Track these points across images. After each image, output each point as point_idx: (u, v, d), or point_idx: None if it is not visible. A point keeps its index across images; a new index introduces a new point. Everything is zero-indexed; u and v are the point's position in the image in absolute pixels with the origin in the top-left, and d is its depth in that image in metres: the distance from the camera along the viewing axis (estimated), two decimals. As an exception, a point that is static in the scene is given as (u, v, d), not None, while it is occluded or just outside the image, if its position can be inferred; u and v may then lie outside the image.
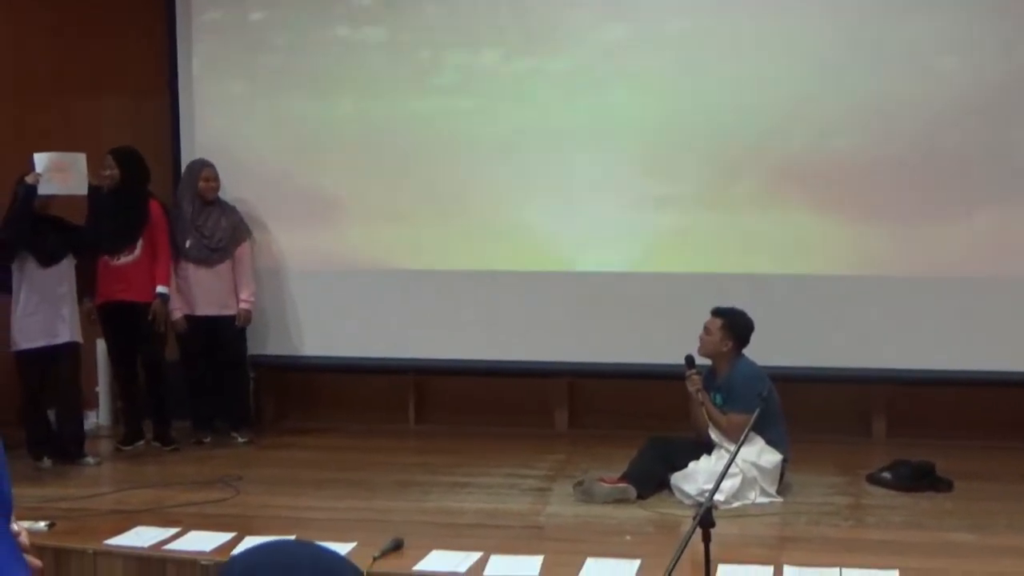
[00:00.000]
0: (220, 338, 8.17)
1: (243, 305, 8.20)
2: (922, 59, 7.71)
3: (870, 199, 7.81)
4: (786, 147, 7.86)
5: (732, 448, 6.30)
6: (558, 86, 8.13)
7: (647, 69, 8.02)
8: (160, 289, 7.88)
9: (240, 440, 8.12)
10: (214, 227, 8.13)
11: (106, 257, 7.79)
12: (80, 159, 7.34)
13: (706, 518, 3.90)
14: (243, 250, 8.26)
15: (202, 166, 8.21)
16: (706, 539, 3.94)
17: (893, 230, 7.80)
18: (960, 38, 7.68)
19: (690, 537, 3.89)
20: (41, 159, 7.21)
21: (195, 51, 8.62)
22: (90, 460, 7.56)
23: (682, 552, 3.81)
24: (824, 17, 7.84)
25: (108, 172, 7.77)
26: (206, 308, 8.11)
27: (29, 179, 7.16)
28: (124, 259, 7.81)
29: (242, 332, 8.29)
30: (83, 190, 7.34)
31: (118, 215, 7.74)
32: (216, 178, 8.16)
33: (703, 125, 7.94)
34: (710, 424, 6.64)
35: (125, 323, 7.87)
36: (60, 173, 7.22)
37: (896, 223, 7.79)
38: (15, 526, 1.80)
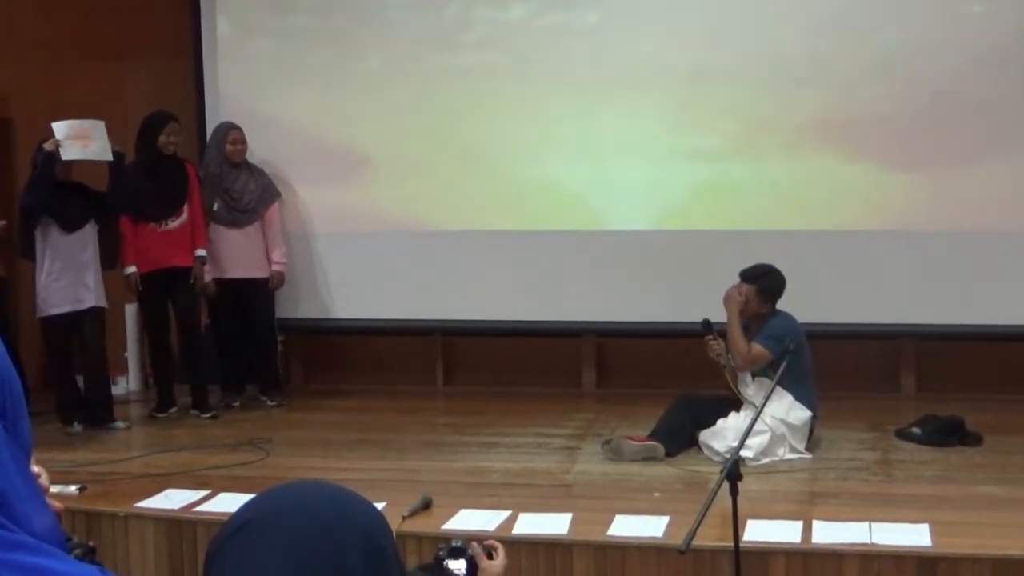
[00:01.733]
0: (249, 301, 8.17)
1: (275, 267, 8.20)
2: (949, 7, 7.63)
3: (898, 151, 7.74)
4: (813, 100, 7.79)
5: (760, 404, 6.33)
6: (586, 41, 8.06)
7: (675, 22, 7.96)
8: (199, 252, 7.90)
9: (270, 404, 8.15)
10: (242, 189, 8.11)
11: (151, 224, 7.75)
12: (99, 125, 7.32)
13: (733, 471, 3.89)
14: (272, 211, 8.24)
15: (229, 128, 8.17)
16: (733, 492, 3.94)
17: (921, 183, 7.75)
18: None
19: (718, 490, 3.89)
20: (60, 127, 7.20)
21: (219, 12, 8.59)
22: (120, 424, 7.59)
23: (710, 504, 3.81)
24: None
25: (176, 138, 7.77)
26: (235, 271, 8.11)
27: (48, 146, 7.14)
28: (172, 224, 7.80)
29: (271, 295, 8.27)
30: (107, 155, 7.31)
31: (166, 180, 7.75)
32: (243, 140, 8.13)
33: (730, 79, 7.86)
34: (739, 380, 6.64)
35: (168, 288, 7.86)
36: (80, 140, 7.22)
37: (924, 175, 7.74)
38: (35, 467, 1.80)
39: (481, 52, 8.24)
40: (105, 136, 7.30)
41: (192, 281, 7.87)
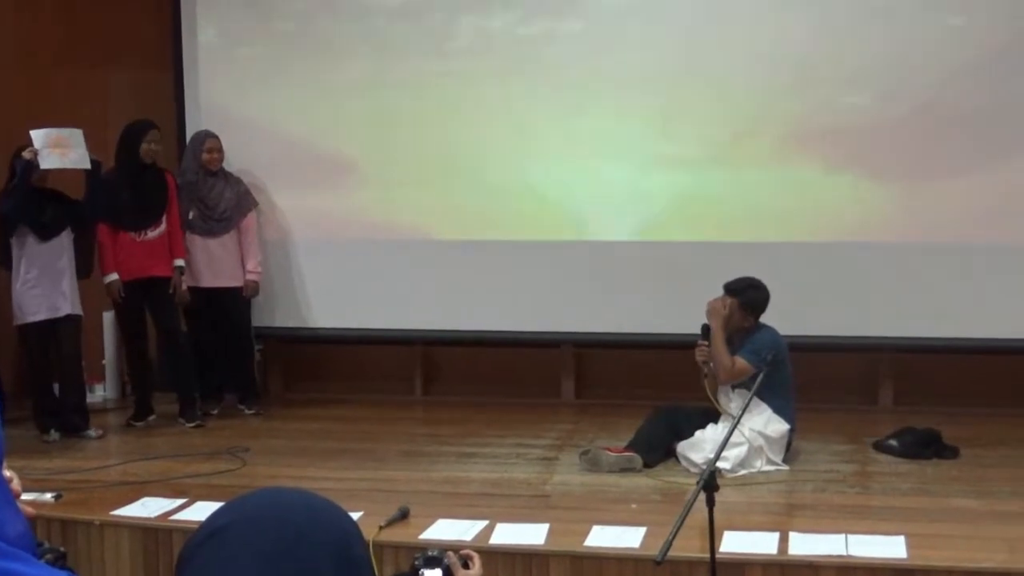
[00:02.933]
0: (225, 310, 8.16)
1: (250, 276, 8.18)
2: (929, 19, 7.67)
3: (878, 162, 7.78)
4: (793, 112, 7.83)
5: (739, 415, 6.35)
6: (571, 49, 8.07)
7: (659, 31, 7.98)
8: (177, 262, 7.88)
9: (247, 412, 8.13)
10: (218, 198, 8.09)
11: (130, 234, 7.72)
12: (77, 134, 7.30)
13: (709, 482, 3.90)
14: (249, 220, 8.23)
15: (205, 137, 8.15)
16: (710, 503, 3.94)
17: (901, 194, 7.78)
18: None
19: (694, 500, 3.89)
20: (39, 135, 7.18)
21: (201, 20, 8.58)
22: (92, 433, 7.56)
23: (686, 515, 3.81)
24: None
25: (156, 146, 7.75)
26: (210, 280, 8.09)
27: (26, 154, 7.13)
28: (151, 234, 7.77)
29: (247, 303, 8.26)
30: (85, 164, 7.28)
31: (146, 190, 7.72)
32: (220, 149, 8.11)
33: (712, 89, 7.90)
34: (719, 392, 6.65)
35: (146, 298, 7.83)
36: (59, 148, 7.20)
37: (904, 186, 7.77)
38: (6, 472, 1.80)
39: (466, 59, 8.25)
40: (83, 144, 7.28)
41: (172, 291, 7.85)
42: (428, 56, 8.27)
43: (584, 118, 8.07)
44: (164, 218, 7.80)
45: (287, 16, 8.48)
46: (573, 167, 8.12)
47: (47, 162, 7.16)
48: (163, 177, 7.86)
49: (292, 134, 8.45)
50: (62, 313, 7.42)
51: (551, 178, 8.16)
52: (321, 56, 8.42)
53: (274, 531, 1.47)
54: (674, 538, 3.70)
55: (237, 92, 8.53)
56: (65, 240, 7.45)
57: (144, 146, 7.67)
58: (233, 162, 8.29)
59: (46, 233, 7.35)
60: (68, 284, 7.45)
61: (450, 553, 2.83)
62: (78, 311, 7.51)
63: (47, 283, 7.35)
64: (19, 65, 8.53)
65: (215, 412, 8.12)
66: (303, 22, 8.45)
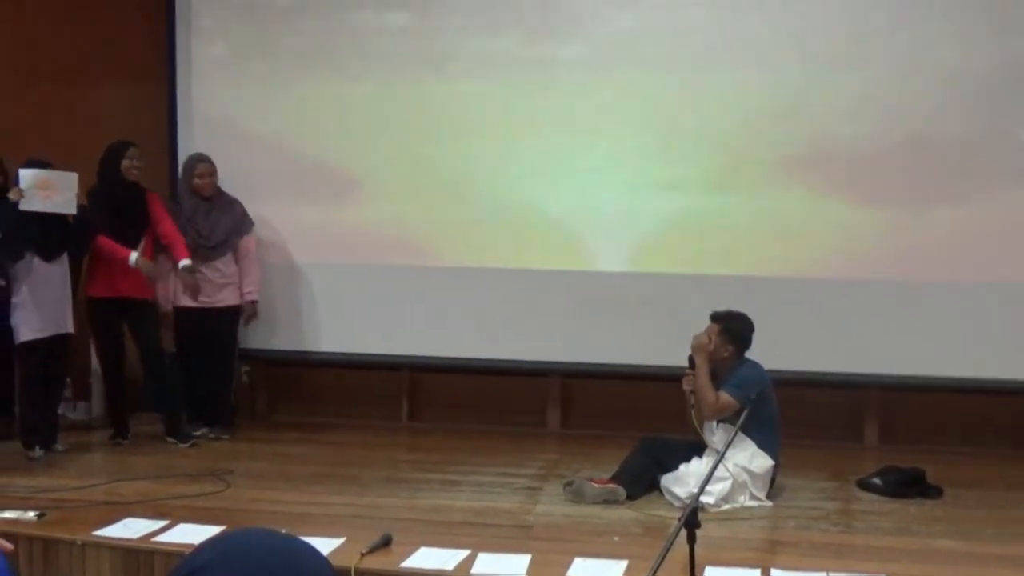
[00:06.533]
0: (213, 331, 8.13)
1: (247, 296, 8.18)
2: (923, 50, 7.71)
3: (867, 192, 7.81)
4: (784, 141, 7.87)
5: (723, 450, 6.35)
6: (571, 73, 8.11)
7: (657, 57, 8.02)
8: (184, 262, 7.81)
9: (210, 436, 8.08)
10: (212, 226, 8.07)
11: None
12: (69, 178, 7.34)
13: (691, 519, 3.89)
14: (247, 243, 8.21)
15: (196, 162, 8.15)
16: (691, 540, 3.94)
17: (890, 227, 7.80)
18: (958, 32, 7.67)
19: (675, 538, 3.89)
20: (27, 175, 7.23)
21: (195, 37, 8.61)
22: (59, 447, 7.61)
23: (666, 552, 3.80)
24: (828, 8, 7.87)
25: (137, 163, 7.74)
26: (201, 301, 8.05)
27: (12, 195, 7.19)
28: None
29: (236, 325, 8.24)
30: (71, 209, 7.32)
31: (124, 213, 7.72)
32: (212, 173, 8.10)
33: (707, 116, 7.95)
34: (704, 426, 6.66)
35: (125, 318, 7.83)
36: (45, 190, 7.22)
37: (893, 219, 7.80)
38: None
39: (468, 80, 8.28)
40: (74, 189, 7.32)
41: (184, 291, 7.87)
42: (431, 76, 8.31)
43: (581, 143, 8.11)
44: (143, 241, 7.78)
45: (297, 32, 8.50)
46: (567, 193, 8.16)
47: (30, 204, 7.19)
48: (143, 199, 7.84)
49: (288, 151, 8.49)
50: (64, 331, 7.47)
51: (545, 204, 8.20)
52: (327, 73, 8.46)
53: (252, 573, 1.48)
54: (655, 574, 3.69)
55: (237, 107, 8.56)
56: (65, 260, 7.49)
57: (125, 162, 7.68)
58: (224, 179, 8.27)
59: (50, 255, 7.38)
60: (68, 303, 7.51)
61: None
62: (72, 329, 7.55)
63: (50, 301, 7.39)
64: (12, 82, 8.54)
65: (198, 433, 8.09)
66: (311, 39, 8.48)
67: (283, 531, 1.59)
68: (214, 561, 1.50)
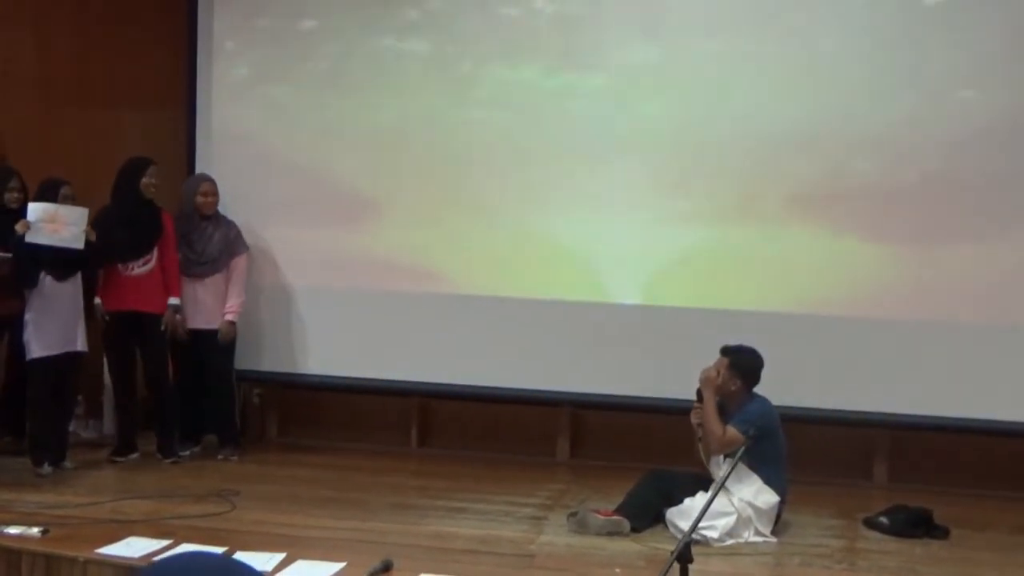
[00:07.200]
0: (207, 352, 8.18)
1: (226, 316, 8.18)
2: (940, 89, 7.71)
3: (883, 228, 7.77)
4: (800, 176, 7.85)
5: (730, 485, 6.33)
6: (591, 103, 8.14)
7: (676, 89, 8.05)
8: (173, 300, 7.92)
9: (219, 457, 8.13)
10: (206, 242, 8.16)
11: (119, 266, 7.81)
12: (79, 213, 7.40)
13: (684, 553, 3.89)
14: (237, 263, 8.26)
15: (201, 181, 8.27)
16: (684, 574, 3.93)
17: (904, 265, 7.76)
18: (978, 71, 7.67)
19: (667, 571, 3.88)
20: (35, 209, 7.30)
21: (217, 61, 8.67)
22: (68, 464, 7.64)
23: (658, 587, 3.80)
24: (848, 45, 7.86)
25: (155, 181, 7.82)
26: (193, 322, 8.13)
27: (19, 227, 7.26)
28: (139, 269, 7.84)
29: (227, 347, 8.25)
30: (78, 244, 7.38)
31: (137, 225, 7.78)
32: (214, 193, 8.20)
33: (724, 150, 7.96)
34: (711, 461, 6.64)
35: (131, 334, 7.88)
36: (52, 224, 7.28)
37: (908, 257, 7.76)
38: None
39: (488, 108, 8.32)
40: (83, 225, 7.39)
41: (164, 328, 7.90)
42: (451, 103, 8.36)
43: (599, 173, 8.12)
44: (155, 254, 7.86)
45: (320, 57, 8.55)
46: (582, 223, 8.16)
47: (36, 236, 7.26)
48: (158, 214, 7.92)
49: (308, 175, 8.53)
50: (76, 348, 7.52)
51: (560, 234, 8.20)
52: (347, 98, 8.51)
53: None
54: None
55: (257, 130, 8.61)
56: (78, 279, 7.54)
57: (144, 180, 7.76)
58: (242, 201, 8.32)
59: (63, 275, 7.43)
60: (81, 321, 7.56)
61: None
62: (84, 348, 7.60)
63: (63, 319, 7.44)
64: (34, 99, 8.62)
65: (187, 454, 8.12)
66: (333, 64, 8.53)
67: (222, 552, 1.60)
68: None
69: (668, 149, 8.06)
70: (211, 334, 8.14)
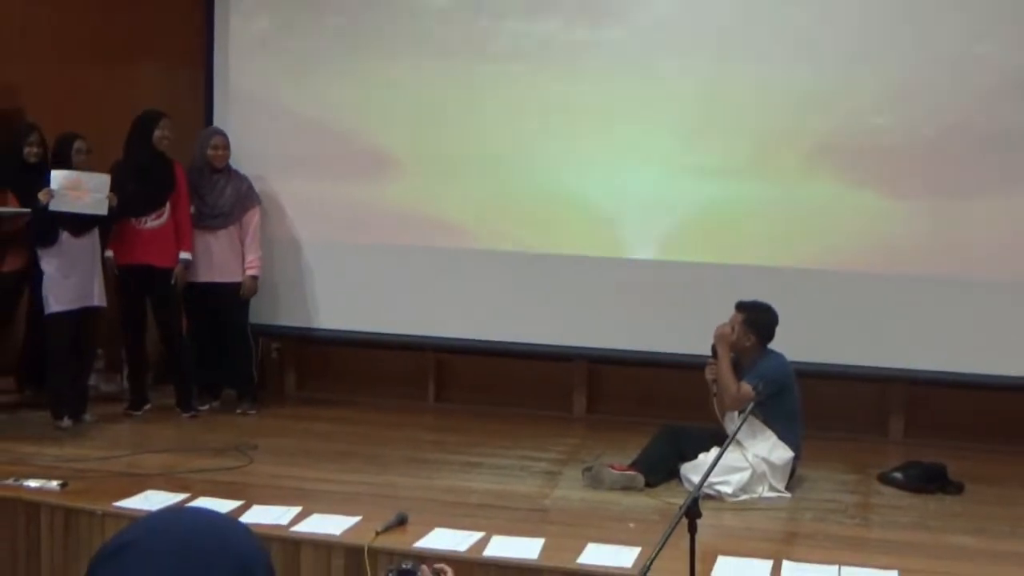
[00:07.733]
0: (221, 306, 8.20)
1: (248, 271, 8.20)
2: (958, 44, 7.65)
3: (900, 183, 7.73)
4: (819, 134, 7.81)
5: (744, 441, 6.36)
6: (610, 56, 8.10)
7: (694, 43, 8.01)
8: (184, 255, 7.95)
9: (237, 412, 8.18)
10: (218, 195, 8.15)
11: (131, 220, 7.83)
12: (102, 180, 7.45)
13: (692, 508, 3.91)
14: (250, 217, 8.25)
15: (213, 134, 8.26)
16: (692, 529, 3.95)
17: (921, 221, 7.73)
18: (994, 26, 7.61)
19: (675, 526, 3.90)
20: (57, 176, 7.34)
21: (235, 15, 8.66)
22: (87, 418, 7.72)
23: (666, 540, 3.82)
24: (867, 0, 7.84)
25: (168, 134, 7.84)
26: (206, 275, 8.13)
27: (42, 196, 7.29)
28: (152, 223, 7.87)
29: (245, 300, 8.26)
30: (101, 210, 7.43)
31: (151, 178, 7.81)
32: (225, 146, 8.20)
33: (742, 103, 7.92)
34: (725, 417, 6.66)
35: (143, 287, 7.91)
36: (75, 191, 7.32)
37: (925, 212, 7.72)
38: None
39: (506, 62, 8.29)
40: (105, 190, 7.43)
41: (173, 282, 7.93)
42: (470, 58, 8.33)
43: (616, 128, 8.09)
44: (168, 208, 7.89)
45: (339, 11, 8.53)
46: (600, 179, 8.14)
47: (59, 204, 7.30)
48: (171, 167, 7.94)
49: (326, 130, 8.51)
50: (93, 303, 7.57)
51: (577, 189, 8.18)
52: (366, 53, 8.48)
53: (176, 553, 1.50)
54: (652, 562, 3.71)
55: (275, 85, 8.60)
56: (96, 234, 7.58)
57: (157, 133, 7.78)
58: (259, 155, 8.35)
59: (79, 230, 7.47)
60: (98, 276, 7.61)
61: (424, 567, 2.85)
62: (103, 303, 7.65)
63: (80, 274, 7.49)
64: (51, 55, 8.63)
65: (205, 408, 8.18)
66: (352, 18, 8.50)
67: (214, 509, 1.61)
68: (140, 538, 1.52)
69: (686, 104, 8.03)
70: (225, 287, 8.15)
